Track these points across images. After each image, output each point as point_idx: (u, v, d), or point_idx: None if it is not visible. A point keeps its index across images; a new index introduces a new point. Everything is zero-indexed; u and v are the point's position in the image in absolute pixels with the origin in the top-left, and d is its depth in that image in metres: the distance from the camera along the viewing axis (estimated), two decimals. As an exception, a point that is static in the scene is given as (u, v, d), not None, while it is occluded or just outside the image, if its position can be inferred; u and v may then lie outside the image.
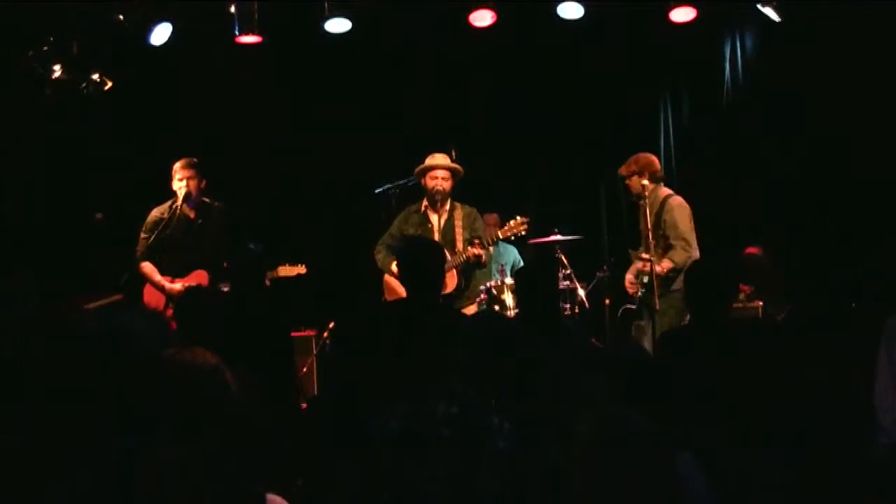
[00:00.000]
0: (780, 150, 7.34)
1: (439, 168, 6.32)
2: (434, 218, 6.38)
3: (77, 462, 2.09)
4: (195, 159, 6.21)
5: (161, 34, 6.77)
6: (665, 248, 6.15)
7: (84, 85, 6.80)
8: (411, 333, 4.00)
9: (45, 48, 6.61)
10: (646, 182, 6.10)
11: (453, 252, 6.18)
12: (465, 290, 6.40)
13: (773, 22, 6.79)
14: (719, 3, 7.19)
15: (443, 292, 6.09)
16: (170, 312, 5.90)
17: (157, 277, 6.16)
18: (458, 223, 6.30)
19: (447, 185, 6.31)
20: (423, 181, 6.40)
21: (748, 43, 7.76)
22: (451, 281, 6.24)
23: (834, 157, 6.96)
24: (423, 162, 6.42)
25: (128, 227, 6.74)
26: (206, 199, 6.25)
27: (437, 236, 6.27)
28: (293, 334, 6.18)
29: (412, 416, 2.91)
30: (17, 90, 6.77)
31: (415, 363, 3.70)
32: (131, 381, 2.40)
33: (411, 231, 6.33)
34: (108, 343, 2.63)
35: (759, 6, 6.74)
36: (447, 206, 6.38)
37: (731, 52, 7.87)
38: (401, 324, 4.12)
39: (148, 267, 6.17)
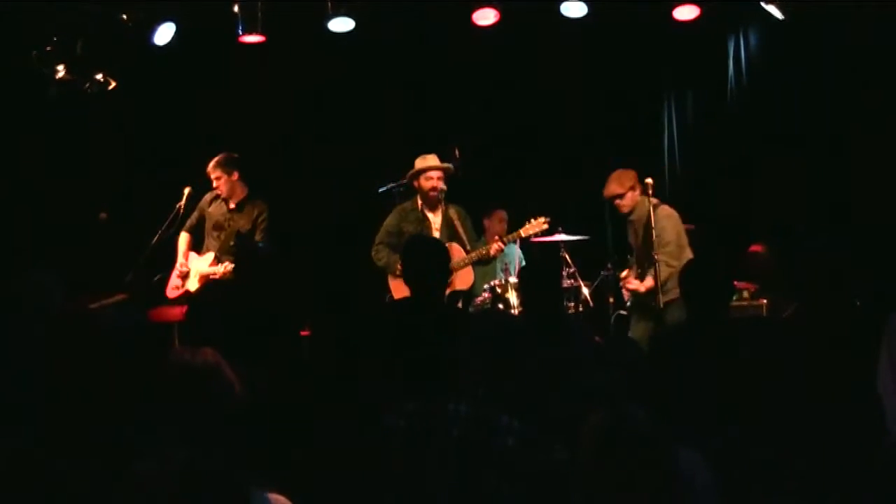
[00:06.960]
0: (783, 148, 7.32)
1: (432, 169, 6.32)
2: (431, 216, 6.39)
3: (78, 462, 2.09)
4: (223, 158, 6.46)
5: (165, 34, 6.78)
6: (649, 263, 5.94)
7: (88, 85, 6.81)
8: (418, 332, 3.99)
9: (49, 48, 6.62)
10: (638, 196, 6.08)
11: (465, 249, 6.22)
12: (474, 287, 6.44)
13: (777, 20, 6.78)
14: (723, 1, 7.17)
15: (460, 288, 6.15)
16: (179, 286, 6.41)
17: (181, 251, 6.51)
18: (457, 222, 6.32)
19: (442, 184, 6.31)
20: (416, 183, 6.40)
21: (752, 41, 7.74)
22: (469, 277, 6.27)
23: (838, 154, 6.94)
24: (413, 166, 6.43)
25: (131, 227, 6.77)
26: (248, 194, 6.48)
27: (436, 234, 6.28)
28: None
29: (420, 416, 2.90)
30: (20, 90, 6.78)
31: (422, 362, 3.70)
32: (133, 380, 2.40)
33: (410, 229, 6.32)
34: (112, 342, 2.63)
35: (762, 4, 6.72)
36: (442, 205, 6.39)
37: (734, 50, 7.86)
38: (407, 322, 4.13)
39: (181, 238, 6.54)
